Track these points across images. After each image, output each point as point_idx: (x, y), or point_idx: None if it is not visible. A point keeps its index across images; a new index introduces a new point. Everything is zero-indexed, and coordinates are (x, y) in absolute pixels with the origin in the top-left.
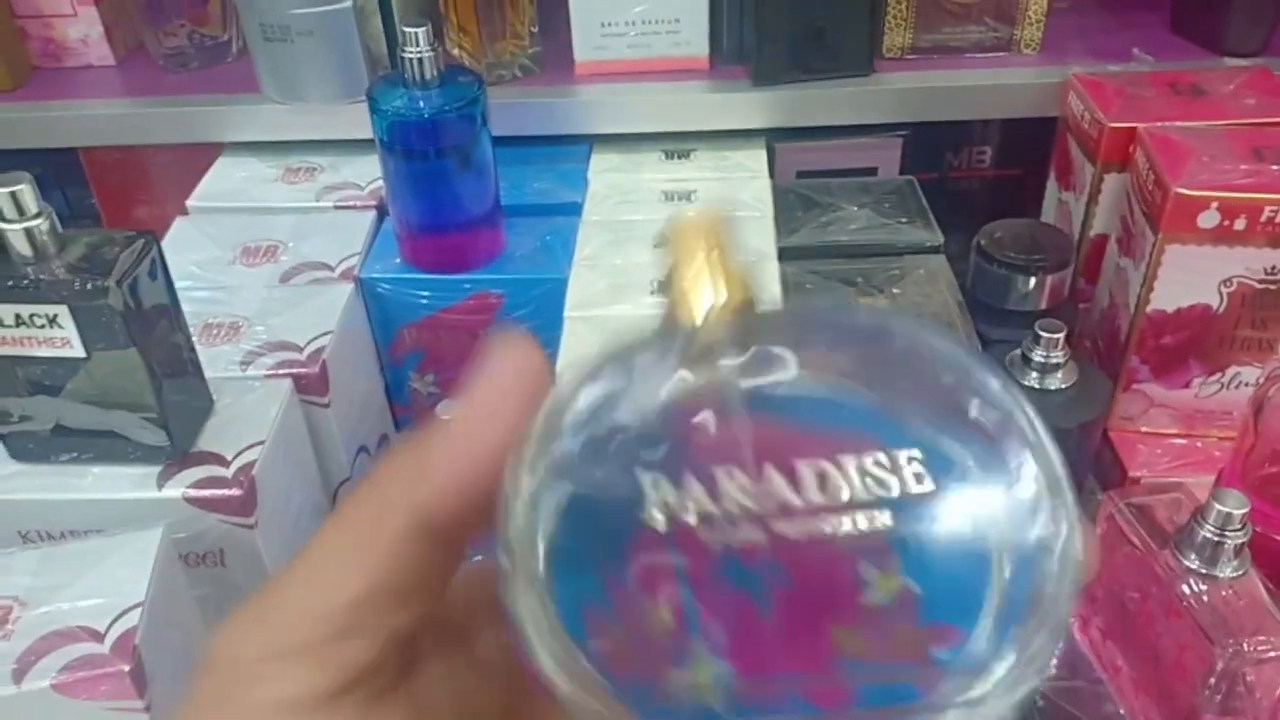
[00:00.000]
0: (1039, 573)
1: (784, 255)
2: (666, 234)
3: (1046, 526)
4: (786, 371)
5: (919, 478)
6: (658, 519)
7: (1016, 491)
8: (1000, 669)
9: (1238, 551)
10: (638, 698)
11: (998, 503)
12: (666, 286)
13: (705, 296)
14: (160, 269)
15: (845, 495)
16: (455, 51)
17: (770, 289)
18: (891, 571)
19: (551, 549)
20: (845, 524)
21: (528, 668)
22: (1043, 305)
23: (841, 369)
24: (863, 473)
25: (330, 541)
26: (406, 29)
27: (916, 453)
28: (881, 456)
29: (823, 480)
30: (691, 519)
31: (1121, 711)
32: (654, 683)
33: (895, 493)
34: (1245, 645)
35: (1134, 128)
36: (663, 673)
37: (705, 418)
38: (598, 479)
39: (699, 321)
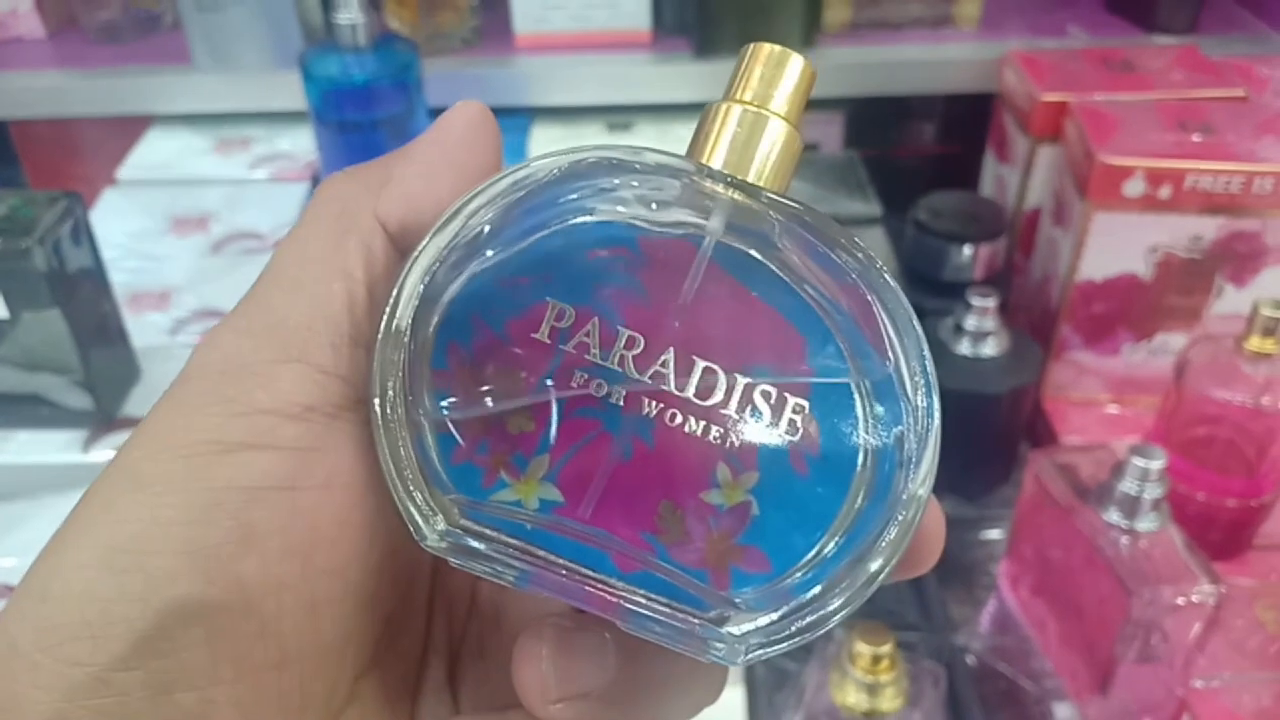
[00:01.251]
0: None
1: None
2: (748, 50)
3: (906, 504)
4: (765, 248)
5: (794, 426)
6: (558, 337)
7: (896, 468)
8: (764, 620)
9: (1155, 505)
10: (464, 487)
11: (867, 469)
12: (707, 112)
13: (735, 143)
14: (85, 232)
15: (723, 407)
16: (394, 24)
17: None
18: (743, 485)
19: (442, 321)
20: (716, 429)
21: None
22: (978, 276)
23: (814, 275)
24: (747, 398)
25: (299, 248)
26: None
27: (804, 402)
28: (771, 389)
29: (710, 385)
30: (591, 356)
31: (1048, 666)
32: (483, 480)
33: (771, 426)
34: (1161, 593)
35: (1065, 101)
36: (495, 472)
37: (661, 259)
38: (521, 274)
39: (715, 165)
